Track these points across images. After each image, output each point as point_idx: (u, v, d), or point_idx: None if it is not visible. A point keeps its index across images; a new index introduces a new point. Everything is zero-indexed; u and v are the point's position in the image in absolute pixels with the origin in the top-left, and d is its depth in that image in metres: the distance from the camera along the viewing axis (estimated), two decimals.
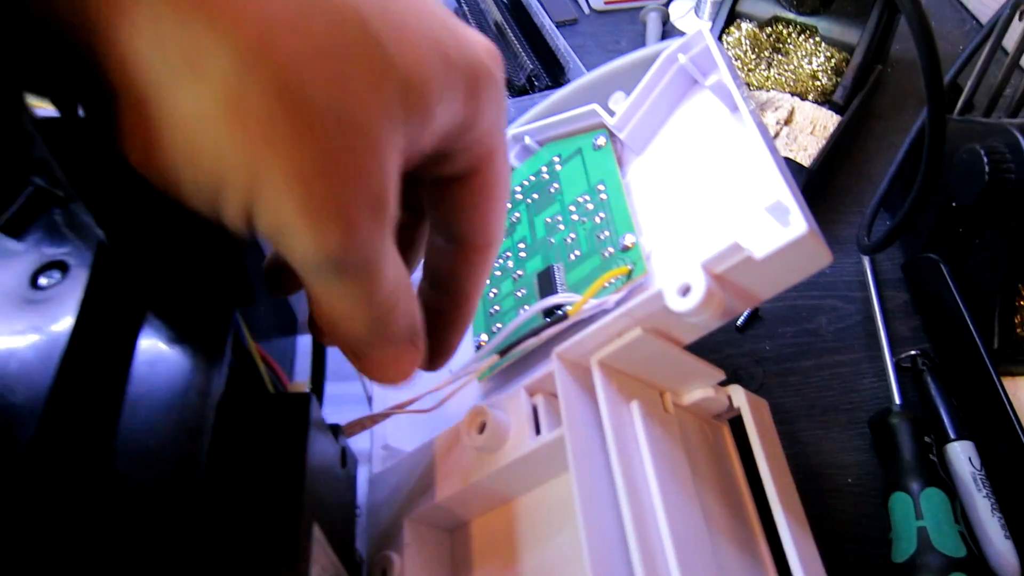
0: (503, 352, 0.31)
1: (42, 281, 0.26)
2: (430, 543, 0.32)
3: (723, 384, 0.31)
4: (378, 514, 0.34)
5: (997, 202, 0.36)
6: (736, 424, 0.34)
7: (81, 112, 0.20)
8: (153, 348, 0.26)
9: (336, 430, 0.31)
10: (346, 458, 0.31)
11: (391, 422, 0.38)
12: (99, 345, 0.25)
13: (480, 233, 0.23)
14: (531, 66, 0.55)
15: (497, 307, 0.36)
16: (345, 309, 0.19)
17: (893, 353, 0.40)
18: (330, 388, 0.43)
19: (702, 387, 0.31)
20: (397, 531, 0.32)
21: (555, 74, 0.56)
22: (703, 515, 0.27)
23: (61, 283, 0.25)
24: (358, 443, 0.40)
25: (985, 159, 0.35)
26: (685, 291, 0.25)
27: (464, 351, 0.38)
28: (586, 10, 0.68)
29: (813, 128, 0.47)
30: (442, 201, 0.23)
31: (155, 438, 0.25)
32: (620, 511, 0.25)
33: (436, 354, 0.26)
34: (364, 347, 0.21)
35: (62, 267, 0.25)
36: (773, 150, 0.28)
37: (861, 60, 0.49)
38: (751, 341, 0.42)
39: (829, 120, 0.48)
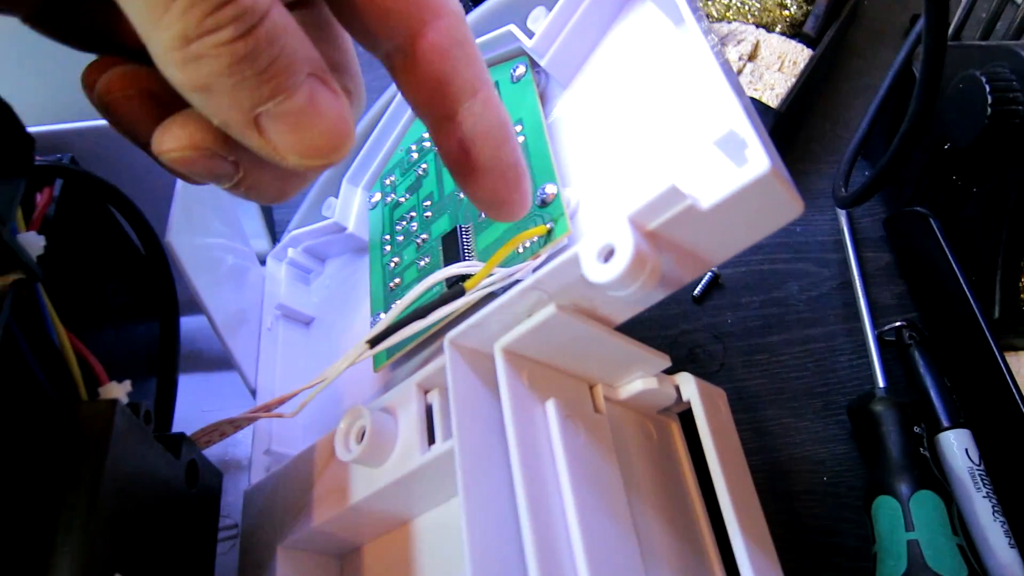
0: (373, 342, 0.24)
1: None
2: (310, 574, 0.26)
3: (670, 372, 0.25)
4: (251, 537, 0.27)
5: (1001, 141, 0.30)
6: (688, 417, 0.28)
7: None
8: None
9: (179, 441, 0.24)
10: (196, 475, 0.25)
11: (278, 420, 0.32)
12: None
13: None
14: None
15: (398, 280, 0.30)
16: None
17: (875, 325, 0.34)
18: (213, 379, 0.37)
19: (642, 377, 0.24)
20: (268, 562, 0.26)
21: None
22: (638, 545, 0.21)
23: None
24: (238, 449, 0.34)
25: (987, 88, 0.29)
26: (607, 255, 0.19)
27: (356, 330, 0.31)
28: None
29: (781, 64, 0.41)
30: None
31: None
32: (523, 547, 0.19)
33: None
34: (248, 94, 0.14)
35: None
36: (728, 72, 0.21)
37: None
38: (710, 314, 0.36)
39: (799, 55, 0.41)
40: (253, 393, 0.33)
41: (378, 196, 0.33)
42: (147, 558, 0.21)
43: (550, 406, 0.21)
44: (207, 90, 0.14)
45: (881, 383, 0.32)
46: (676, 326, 0.36)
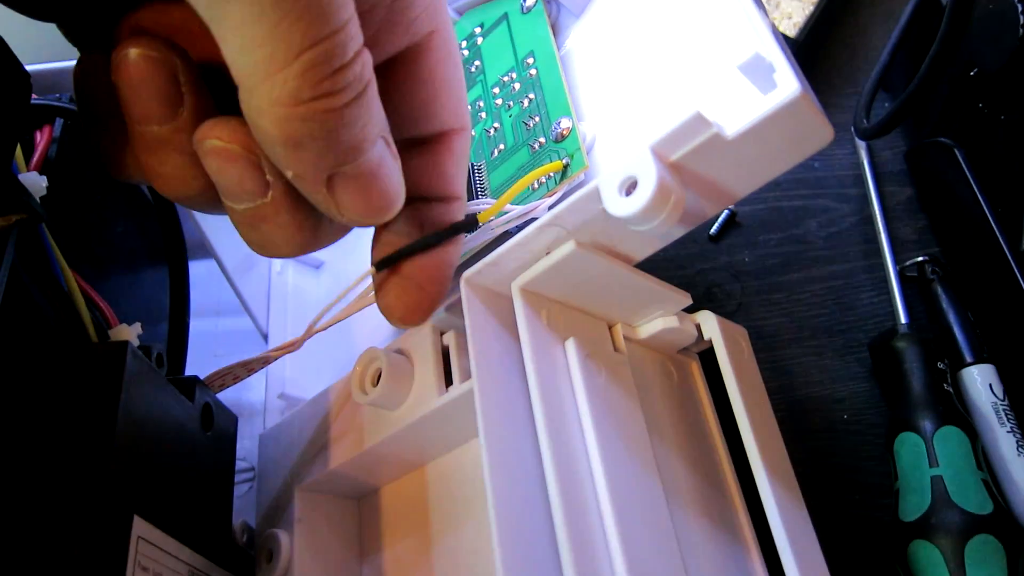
0: (379, 266, 0.24)
1: None
2: (329, 516, 0.26)
3: (690, 310, 0.24)
4: (268, 481, 0.27)
5: None
6: (708, 357, 0.27)
7: None
8: None
9: (192, 384, 0.24)
10: (211, 418, 0.24)
11: (292, 364, 0.31)
12: None
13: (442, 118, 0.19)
14: None
15: None
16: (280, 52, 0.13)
17: (896, 261, 0.33)
18: (224, 324, 0.36)
19: (663, 316, 0.24)
20: (287, 503, 0.26)
21: None
22: (662, 487, 0.21)
23: None
24: (252, 393, 0.34)
25: (1019, 8, 0.28)
26: (630, 187, 0.18)
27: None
28: None
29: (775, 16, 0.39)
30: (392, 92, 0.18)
31: None
32: (546, 490, 0.18)
33: None
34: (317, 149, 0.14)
35: None
36: None
37: None
38: (727, 252, 0.35)
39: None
40: (265, 338, 0.33)
41: None
42: (164, 501, 0.20)
43: (570, 345, 0.21)
44: (297, 147, 0.14)
45: (903, 319, 0.31)
46: (692, 265, 0.35)
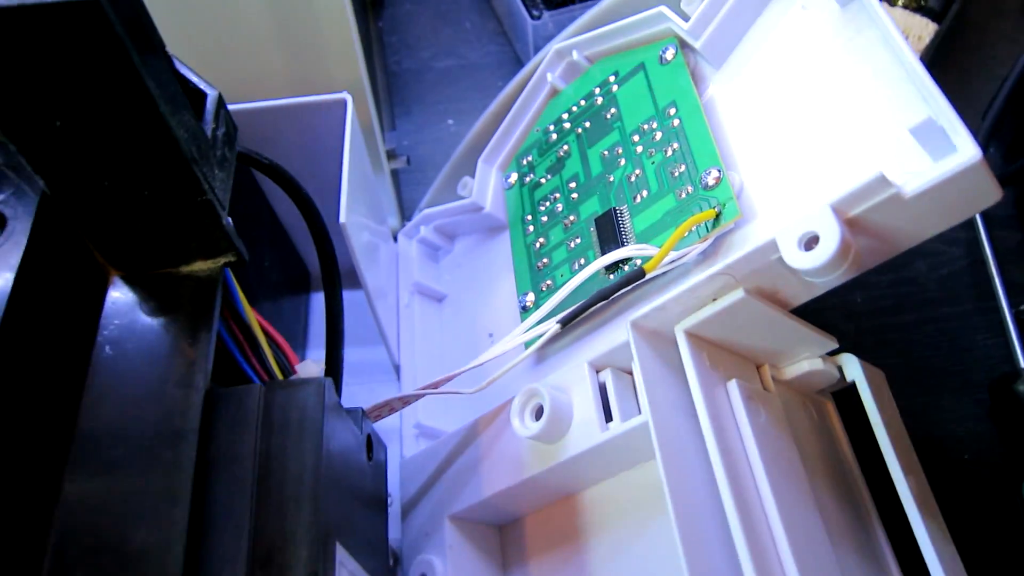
0: (565, 322, 0.25)
1: None
2: (475, 542, 0.27)
3: (832, 353, 0.25)
4: (414, 507, 0.29)
5: None
6: (839, 398, 0.28)
7: None
8: (121, 326, 0.20)
9: (360, 416, 0.25)
10: (372, 447, 0.26)
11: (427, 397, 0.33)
12: (49, 317, 0.20)
13: None
14: None
15: (546, 260, 0.30)
16: None
17: (1011, 303, 0.34)
18: (350, 355, 0.38)
19: (808, 358, 0.25)
20: (437, 530, 0.27)
21: None
22: (820, 516, 0.22)
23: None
24: (385, 421, 0.35)
25: None
26: (811, 242, 0.19)
27: (509, 313, 0.32)
28: None
29: (907, 37, 0.40)
30: None
31: (124, 448, 0.19)
32: (723, 517, 0.19)
33: None
34: None
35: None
36: (912, 51, 0.21)
37: None
38: (839, 293, 0.36)
39: (924, 29, 0.40)
40: (396, 369, 0.34)
41: (515, 177, 0.34)
42: (350, 526, 0.22)
43: (732, 386, 0.22)
44: None
45: (1023, 363, 0.32)
46: (804, 305, 0.36)
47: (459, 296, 0.36)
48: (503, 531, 0.28)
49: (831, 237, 0.19)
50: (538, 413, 0.24)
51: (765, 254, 0.20)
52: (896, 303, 0.36)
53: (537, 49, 0.39)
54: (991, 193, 0.19)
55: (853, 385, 0.25)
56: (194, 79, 0.21)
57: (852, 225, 0.20)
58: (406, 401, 0.27)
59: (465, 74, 0.48)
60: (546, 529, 0.27)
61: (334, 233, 0.28)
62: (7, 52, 0.15)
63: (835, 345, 0.24)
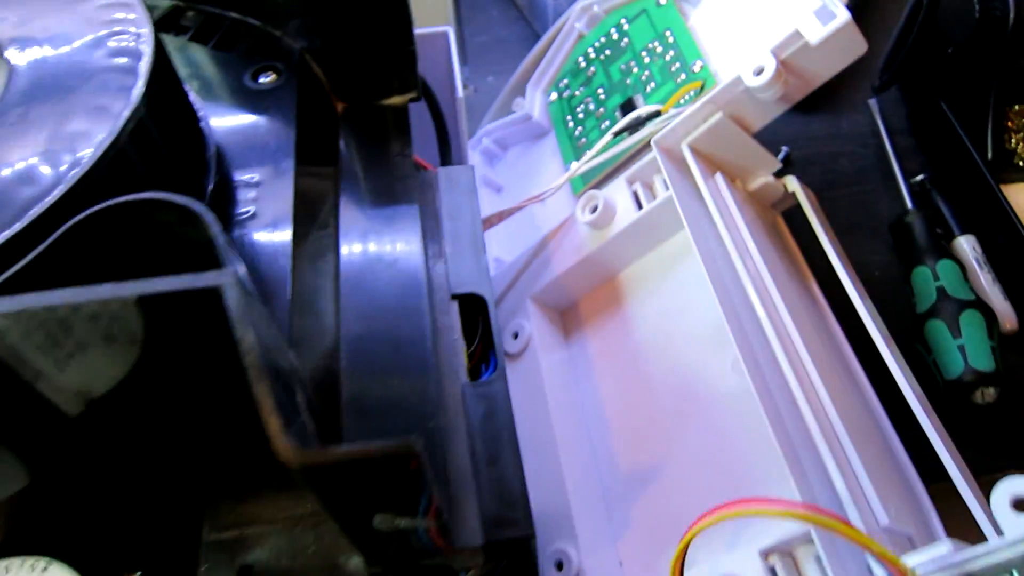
0: (616, 133, 0.38)
1: (261, 80, 0.33)
2: (547, 317, 0.40)
3: (776, 175, 0.39)
4: (503, 299, 0.41)
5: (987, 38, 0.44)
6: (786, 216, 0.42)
7: None
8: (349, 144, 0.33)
9: None
10: None
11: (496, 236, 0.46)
12: (317, 131, 0.33)
13: None
14: None
15: (583, 140, 0.44)
16: None
17: (906, 180, 0.48)
18: None
19: (764, 175, 0.38)
20: (521, 307, 0.40)
21: None
22: (796, 285, 0.35)
23: (278, 80, 0.33)
24: None
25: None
26: (759, 71, 0.33)
27: (544, 183, 0.45)
28: None
29: None
30: None
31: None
32: (732, 263, 0.33)
33: None
34: None
35: (275, 70, 0.33)
36: None
37: None
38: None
39: None
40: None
41: (554, 96, 0.47)
42: None
43: (719, 177, 0.36)
44: None
45: (909, 205, 0.46)
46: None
47: (514, 185, 0.49)
48: (563, 315, 0.41)
49: (771, 65, 0.33)
50: (593, 209, 0.37)
51: (735, 86, 0.34)
52: (826, 183, 0.50)
53: (553, 21, 0.54)
54: (859, 44, 0.33)
55: (795, 201, 0.39)
56: None
57: (784, 65, 0.34)
58: (502, 216, 0.40)
59: (496, 46, 0.62)
60: (595, 306, 0.40)
61: None
62: None
63: (780, 165, 0.38)
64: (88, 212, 0.19)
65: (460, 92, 0.50)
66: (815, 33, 0.33)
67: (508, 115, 0.49)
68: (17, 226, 0.20)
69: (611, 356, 0.37)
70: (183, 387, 0.23)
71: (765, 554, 0.26)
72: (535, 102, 0.48)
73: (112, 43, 0.25)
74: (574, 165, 0.43)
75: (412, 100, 0.34)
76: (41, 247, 0.18)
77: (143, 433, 0.24)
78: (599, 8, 0.47)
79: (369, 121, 0.34)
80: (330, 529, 0.24)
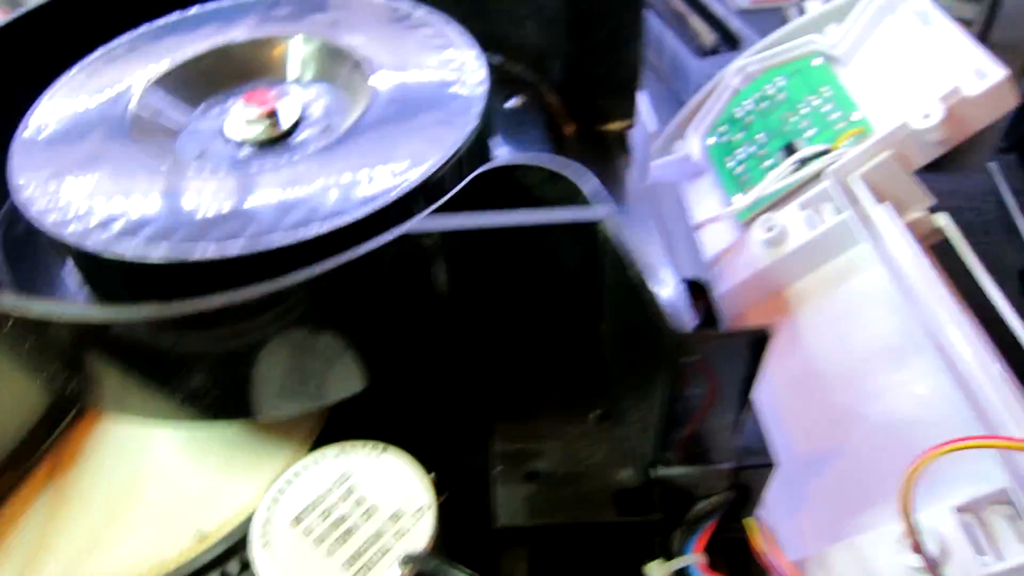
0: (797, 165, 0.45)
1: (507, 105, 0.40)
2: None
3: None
4: None
5: None
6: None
7: None
8: None
9: None
10: None
11: None
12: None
13: None
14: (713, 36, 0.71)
15: (746, 176, 0.50)
16: None
17: None
18: None
19: (919, 209, 0.44)
20: None
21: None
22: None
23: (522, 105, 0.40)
24: None
25: None
26: (926, 116, 0.39)
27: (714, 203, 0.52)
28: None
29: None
30: None
31: None
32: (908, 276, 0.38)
33: None
34: None
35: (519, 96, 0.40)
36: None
37: None
38: None
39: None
40: None
41: (712, 140, 0.54)
42: None
43: (887, 205, 0.41)
44: None
45: None
46: None
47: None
48: (730, 324, 0.47)
49: (938, 111, 0.39)
50: (769, 229, 0.43)
51: (902, 129, 0.40)
52: None
53: (697, 86, 0.61)
54: (1011, 100, 0.39)
55: (941, 237, 0.45)
56: None
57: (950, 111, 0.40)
58: None
59: None
60: (762, 316, 0.45)
61: None
62: None
63: (934, 201, 0.44)
64: (486, 167, 0.25)
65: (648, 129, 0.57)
66: (975, 87, 0.39)
67: (667, 156, 0.56)
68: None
69: (780, 357, 0.43)
70: (516, 310, 0.29)
71: (960, 510, 0.31)
72: (695, 143, 0.55)
73: (449, 73, 0.33)
74: (739, 197, 0.49)
75: (628, 128, 0.41)
76: (458, 188, 0.25)
77: (470, 349, 0.30)
78: (754, 68, 0.54)
79: (593, 143, 0.40)
80: (605, 447, 0.30)
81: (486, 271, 0.26)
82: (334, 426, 0.34)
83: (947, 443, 0.26)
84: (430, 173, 0.28)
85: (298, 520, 0.28)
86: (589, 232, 0.24)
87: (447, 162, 0.29)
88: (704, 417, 0.26)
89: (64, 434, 0.35)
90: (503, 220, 0.23)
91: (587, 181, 0.25)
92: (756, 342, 0.21)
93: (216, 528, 0.32)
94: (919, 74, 0.44)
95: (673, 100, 0.68)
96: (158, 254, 0.27)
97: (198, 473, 0.34)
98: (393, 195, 0.27)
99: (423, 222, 0.24)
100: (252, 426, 0.34)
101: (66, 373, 0.27)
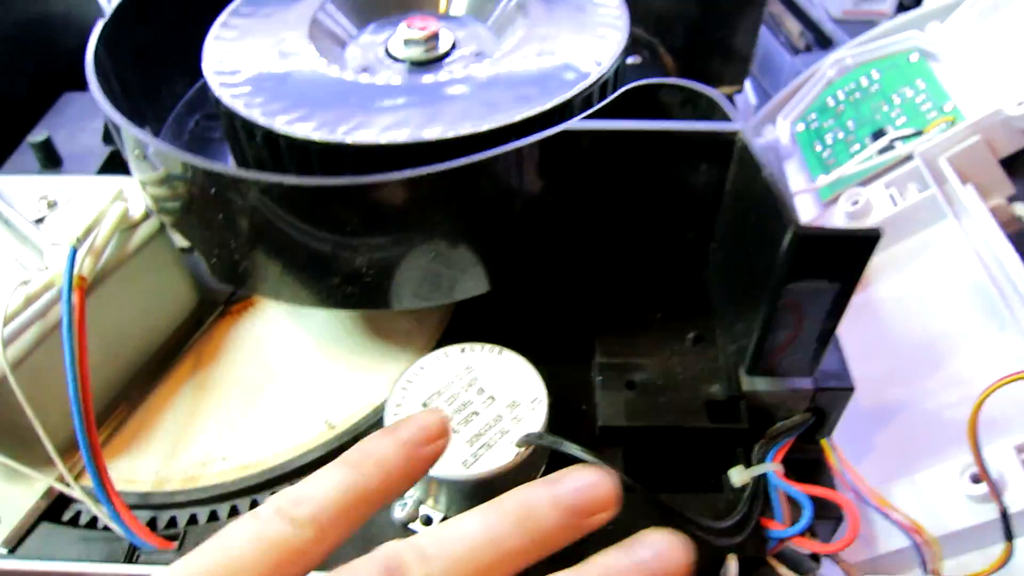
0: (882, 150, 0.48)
1: (629, 60, 0.43)
2: None
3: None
4: None
5: None
6: None
7: None
8: None
9: None
10: None
11: None
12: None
13: None
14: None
15: (832, 160, 0.53)
16: None
17: None
18: None
19: (1000, 196, 0.46)
20: None
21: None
22: None
23: (643, 61, 0.43)
24: None
25: None
26: (1020, 103, 0.42)
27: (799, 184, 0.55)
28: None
29: None
30: None
31: None
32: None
33: None
34: None
35: (640, 54, 0.43)
36: None
37: None
38: None
39: None
40: None
41: (802, 126, 0.57)
42: None
43: (971, 185, 0.44)
44: None
45: None
46: None
47: None
48: None
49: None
50: (855, 202, 0.46)
51: (995, 115, 0.43)
52: None
53: (788, 81, 0.64)
54: None
55: (1019, 227, 0.47)
56: None
57: None
58: None
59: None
60: None
61: None
62: None
63: (1014, 190, 0.46)
64: (634, 84, 0.29)
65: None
66: None
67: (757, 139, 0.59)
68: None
69: (856, 319, 0.45)
70: (629, 221, 0.32)
71: (1021, 449, 0.33)
72: (785, 129, 0.58)
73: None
74: (823, 177, 0.52)
75: (736, 92, 0.44)
76: (609, 98, 0.29)
77: (587, 263, 0.34)
78: (851, 61, 0.57)
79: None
80: (695, 364, 0.33)
81: (625, 177, 0.29)
82: (454, 332, 0.37)
83: (1012, 374, 0.29)
84: (587, 85, 0.32)
85: (426, 405, 0.31)
86: (726, 142, 0.27)
87: (598, 80, 0.33)
88: (791, 343, 0.29)
89: (207, 332, 0.40)
90: (654, 125, 0.27)
91: (723, 100, 0.28)
92: (866, 241, 0.24)
93: (343, 420, 0.36)
94: (1016, 67, 0.47)
95: (762, 93, 0.71)
96: (347, 139, 0.31)
97: (326, 369, 0.38)
98: (550, 105, 0.31)
99: (580, 123, 0.28)
100: (378, 331, 0.38)
101: (246, 247, 0.31)
